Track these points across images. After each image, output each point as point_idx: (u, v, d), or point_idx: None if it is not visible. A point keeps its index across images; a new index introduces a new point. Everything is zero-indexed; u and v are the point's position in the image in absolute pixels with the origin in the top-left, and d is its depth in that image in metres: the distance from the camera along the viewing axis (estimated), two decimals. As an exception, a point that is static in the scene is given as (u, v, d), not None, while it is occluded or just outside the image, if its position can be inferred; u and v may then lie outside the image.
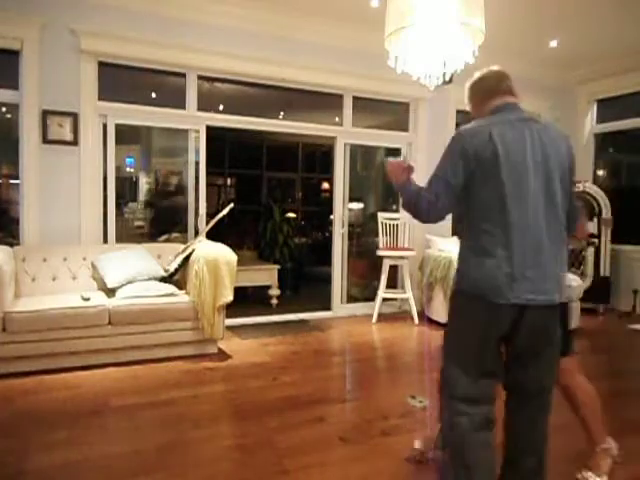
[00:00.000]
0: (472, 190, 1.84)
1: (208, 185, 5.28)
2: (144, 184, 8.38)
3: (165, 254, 4.58)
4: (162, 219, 6.80)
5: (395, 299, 6.02)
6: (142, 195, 7.81)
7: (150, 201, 7.47)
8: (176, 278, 4.39)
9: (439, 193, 1.85)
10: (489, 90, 2.05)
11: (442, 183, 1.85)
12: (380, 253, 5.69)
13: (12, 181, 4.81)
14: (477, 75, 2.13)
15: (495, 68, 2.13)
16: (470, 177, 1.83)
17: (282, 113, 6.25)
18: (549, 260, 1.82)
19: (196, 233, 5.00)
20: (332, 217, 5.98)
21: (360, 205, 7.26)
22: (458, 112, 6.34)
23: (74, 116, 4.48)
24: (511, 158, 1.81)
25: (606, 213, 6.32)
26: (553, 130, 1.95)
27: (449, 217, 6.57)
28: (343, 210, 5.92)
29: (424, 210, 1.89)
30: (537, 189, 1.82)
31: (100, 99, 4.65)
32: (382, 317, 5.65)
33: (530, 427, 2.03)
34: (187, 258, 4.29)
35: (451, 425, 1.90)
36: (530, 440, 2.03)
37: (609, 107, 6.90)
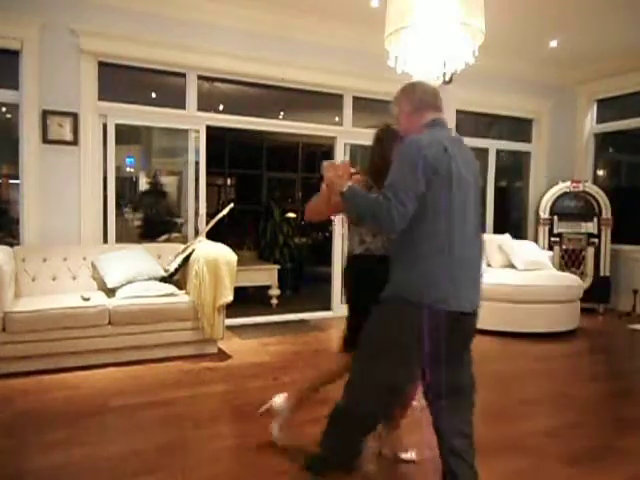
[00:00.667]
0: (425, 200, 1.86)
1: (208, 185, 5.28)
2: (144, 184, 8.39)
3: (165, 254, 4.58)
4: (151, 222, 6.67)
5: (395, 299, 6.01)
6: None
7: (140, 203, 7.39)
8: (176, 278, 4.38)
9: (407, 202, 1.82)
10: (427, 103, 2.12)
11: (411, 193, 1.83)
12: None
13: (12, 181, 4.81)
14: (413, 84, 2.23)
15: (429, 83, 2.28)
16: (427, 188, 1.86)
17: (282, 113, 6.25)
18: (478, 270, 2.02)
19: (196, 233, 5.00)
20: (332, 217, 5.98)
21: (360, 205, 7.25)
22: (458, 112, 6.34)
23: (74, 116, 4.48)
24: (460, 173, 1.93)
25: (606, 213, 6.32)
26: (469, 149, 2.13)
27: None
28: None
29: (393, 220, 1.81)
30: (473, 203, 1.99)
31: (100, 99, 4.65)
32: (382, 317, 5.64)
33: (461, 429, 2.18)
34: (187, 258, 4.29)
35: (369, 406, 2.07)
36: (469, 435, 2.20)
37: (609, 107, 6.90)
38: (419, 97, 2.14)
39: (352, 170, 2.08)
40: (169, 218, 6.94)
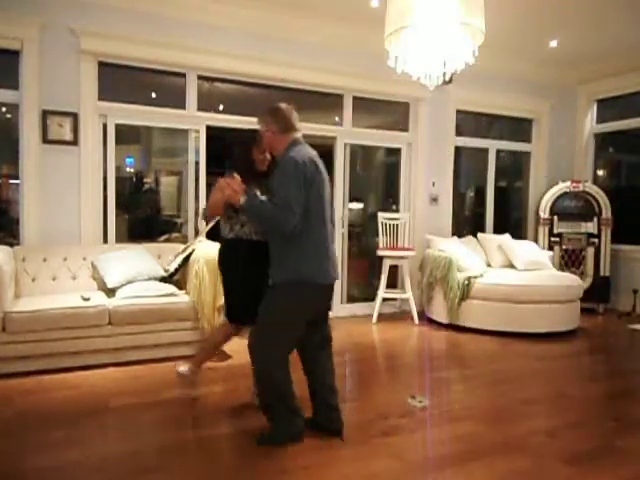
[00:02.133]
0: (307, 204, 2.49)
1: (208, 185, 5.27)
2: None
3: (165, 254, 4.57)
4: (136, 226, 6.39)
5: (395, 299, 6.02)
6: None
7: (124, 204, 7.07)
8: (176, 278, 4.38)
9: (297, 210, 2.44)
10: (289, 124, 2.68)
11: (297, 201, 2.44)
12: (380, 253, 5.69)
13: (12, 181, 4.80)
14: (278, 107, 2.71)
15: (288, 105, 2.76)
16: (307, 196, 2.49)
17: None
18: (335, 254, 2.72)
19: (196, 233, 5.00)
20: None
21: (360, 205, 7.25)
22: (458, 112, 6.35)
23: (74, 116, 4.48)
24: (324, 183, 2.61)
25: (606, 213, 6.32)
26: (322, 162, 2.68)
27: (449, 220, 6.58)
28: (343, 210, 5.92)
29: (289, 224, 2.44)
30: (330, 205, 2.69)
31: (100, 99, 4.65)
32: (382, 317, 5.65)
33: (331, 368, 2.87)
34: (187, 258, 4.29)
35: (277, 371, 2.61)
36: (332, 377, 2.85)
37: (609, 107, 6.90)
38: (284, 119, 2.66)
39: (242, 185, 2.59)
40: (163, 218, 6.82)
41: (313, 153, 2.64)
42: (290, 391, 2.64)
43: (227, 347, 4.36)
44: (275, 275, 2.60)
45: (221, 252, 3.03)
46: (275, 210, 2.45)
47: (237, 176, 2.65)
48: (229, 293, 3.01)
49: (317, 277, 2.56)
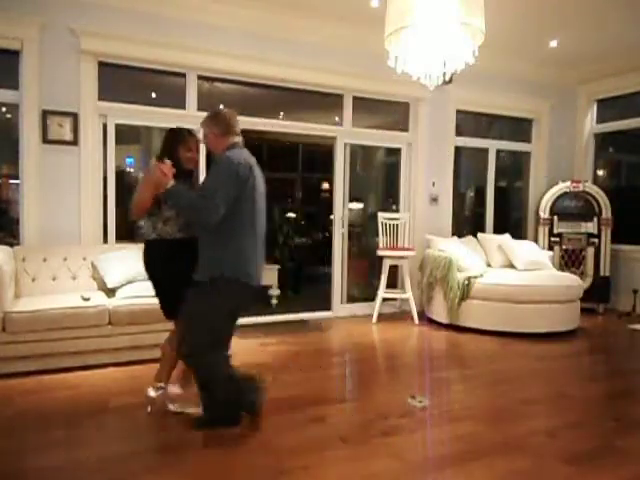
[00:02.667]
0: (237, 204, 2.61)
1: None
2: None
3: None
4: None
5: (395, 299, 6.02)
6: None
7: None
8: (176, 278, 4.37)
9: (220, 204, 2.54)
10: (231, 127, 2.80)
11: (224, 197, 2.55)
12: (380, 253, 5.69)
13: (12, 181, 4.81)
14: (220, 112, 2.85)
15: (231, 110, 2.91)
16: (238, 195, 2.60)
17: (282, 113, 6.24)
18: (263, 258, 2.84)
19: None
20: (332, 217, 5.98)
21: (360, 205, 7.26)
22: (458, 112, 6.35)
23: (74, 116, 4.48)
24: (258, 186, 2.74)
25: (606, 213, 6.32)
26: (259, 168, 2.82)
27: (449, 220, 6.58)
28: (343, 210, 5.92)
29: (210, 216, 2.54)
30: (263, 210, 2.81)
31: (100, 99, 4.65)
32: (382, 317, 5.65)
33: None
34: (187, 258, 4.28)
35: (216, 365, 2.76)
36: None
37: (609, 107, 6.90)
38: (225, 123, 2.79)
39: (172, 168, 2.67)
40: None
41: (251, 159, 2.78)
42: (226, 375, 2.77)
43: (227, 347, 4.37)
44: (200, 271, 2.68)
45: (146, 254, 2.95)
46: (199, 199, 2.57)
47: (168, 161, 2.69)
48: (160, 293, 2.97)
49: (241, 276, 2.66)
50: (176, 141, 2.93)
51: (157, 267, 2.92)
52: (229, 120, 2.82)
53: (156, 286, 2.97)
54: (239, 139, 2.84)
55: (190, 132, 3.00)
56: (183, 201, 2.65)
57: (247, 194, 2.66)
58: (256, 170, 2.75)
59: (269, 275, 6.34)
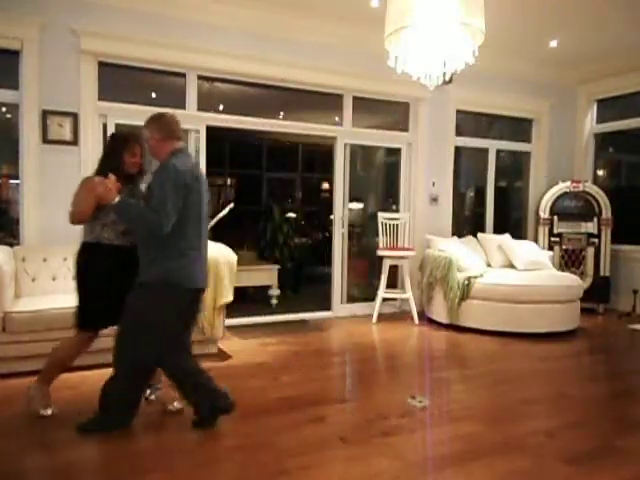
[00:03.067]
0: (183, 210, 2.61)
1: (208, 185, 5.25)
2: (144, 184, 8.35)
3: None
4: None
5: (395, 299, 6.02)
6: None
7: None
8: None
9: (171, 214, 2.54)
10: (172, 132, 2.75)
11: (174, 206, 2.54)
12: (380, 253, 5.69)
13: (12, 181, 4.80)
14: (162, 114, 2.80)
15: (171, 112, 2.90)
16: (184, 202, 2.60)
17: (282, 113, 6.25)
18: (206, 261, 2.85)
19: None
20: (332, 217, 5.98)
21: (360, 205, 7.26)
22: (458, 112, 6.35)
23: (74, 116, 4.48)
24: (202, 192, 2.75)
25: (606, 213, 6.32)
26: (203, 173, 2.86)
27: (449, 220, 6.56)
28: (343, 210, 5.92)
29: (162, 227, 2.53)
30: (206, 214, 2.81)
31: (100, 99, 4.65)
32: (382, 317, 5.65)
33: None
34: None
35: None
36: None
37: (609, 107, 6.90)
38: (167, 127, 2.73)
39: (117, 184, 2.62)
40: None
41: (194, 163, 2.83)
42: (144, 386, 2.86)
43: (227, 347, 4.38)
44: (143, 274, 2.66)
45: (79, 256, 2.86)
46: (149, 212, 2.55)
47: (112, 176, 2.64)
48: (86, 299, 2.84)
49: (184, 280, 2.66)
50: (121, 147, 2.88)
51: (91, 271, 2.82)
52: (171, 124, 2.75)
53: (82, 291, 2.84)
54: (182, 144, 2.82)
55: (134, 137, 2.91)
56: (132, 215, 2.62)
57: (193, 200, 2.66)
58: (201, 176, 2.76)
59: (269, 275, 6.36)
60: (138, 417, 2.94)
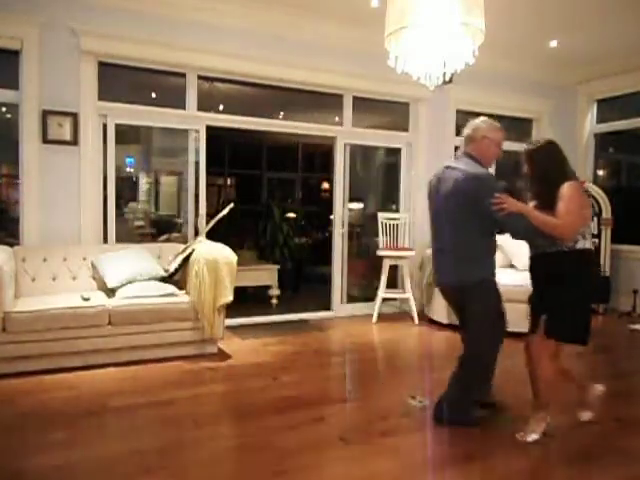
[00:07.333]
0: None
1: (208, 185, 5.28)
2: (144, 184, 8.40)
3: (165, 254, 4.57)
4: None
5: (395, 299, 6.02)
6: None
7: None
8: (176, 278, 4.38)
9: None
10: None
11: None
12: (380, 253, 5.69)
13: (12, 181, 4.80)
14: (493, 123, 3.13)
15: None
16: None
17: (282, 113, 6.25)
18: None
19: (196, 233, 5.00)
20: (332, 217, 5.98)
21: (360, 205, 7.26)
22: (458, 112, 6.34)
23: (74, 116, 4.48)
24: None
25: (606, 213, 6.32)
26: None
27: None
28: (343, 210, 5.92)
29: None
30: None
31: (100, 99, 4.65)
32: (382, 317, 5.65)
33: None
34: (187, 258, 4.29)
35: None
36: None
37: (609, 107, 6.90)
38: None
39: None
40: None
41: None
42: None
43: (227, 347, 4.38)
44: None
45: (578, 265, 2.93)
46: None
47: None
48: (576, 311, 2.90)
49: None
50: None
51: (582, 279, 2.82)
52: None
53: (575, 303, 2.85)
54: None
55: None
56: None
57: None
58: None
59: (269, 275, 6.36)
60: (138, 417, 2.95)
